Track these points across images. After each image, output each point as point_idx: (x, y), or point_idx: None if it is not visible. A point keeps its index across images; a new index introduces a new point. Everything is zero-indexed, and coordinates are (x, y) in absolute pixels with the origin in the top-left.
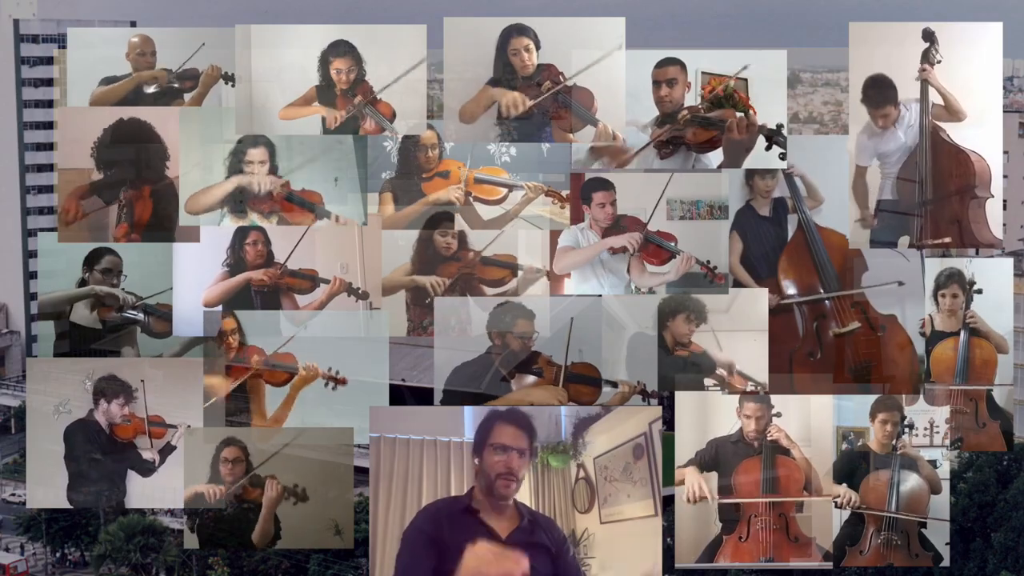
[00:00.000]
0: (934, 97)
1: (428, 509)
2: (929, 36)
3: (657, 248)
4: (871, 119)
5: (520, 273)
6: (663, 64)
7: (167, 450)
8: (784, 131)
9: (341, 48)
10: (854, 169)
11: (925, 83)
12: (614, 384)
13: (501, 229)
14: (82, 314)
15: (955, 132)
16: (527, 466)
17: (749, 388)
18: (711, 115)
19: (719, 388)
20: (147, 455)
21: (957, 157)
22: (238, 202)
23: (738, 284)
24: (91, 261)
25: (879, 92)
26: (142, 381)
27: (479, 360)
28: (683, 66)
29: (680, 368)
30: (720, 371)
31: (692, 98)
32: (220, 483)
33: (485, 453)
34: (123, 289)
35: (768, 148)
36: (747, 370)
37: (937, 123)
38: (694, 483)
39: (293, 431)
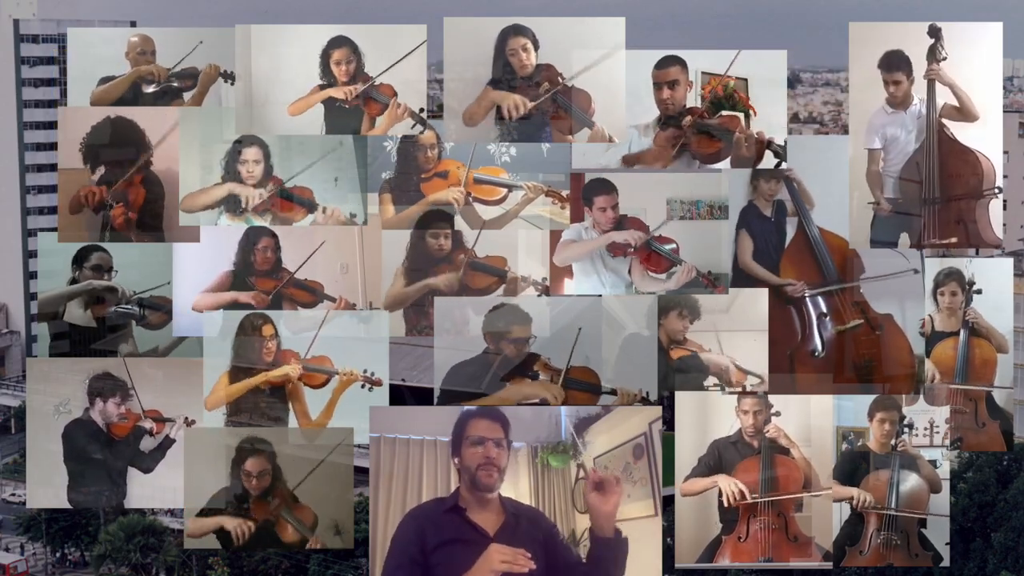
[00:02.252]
0: (946, 97)
1: (414, 515)
2: (935, 32)
3: (658, 256)
4: (884, 85)
5: (510, 279)
6: (664, 65)
7: (167, 443)
8: (785, 144)
9: (339, 40)
10: (865, 155)
11: (932, 82)
12: (613, 392)
13: (499, 229)
14: (76, 314)
15: (957, 132)
16: (506, 456)
17: (749, 382)
18: (714, 123)
19: (719, 388)
20: (146, 448)
21: (965, 157)
22: (235, 202)
23: (753, 280)
24: (80, 259)
25: (894, 58)
26: (132, 378)
27: (477, 360)
28: (684, 66)
29: (677, 372)
30: (716, 372)
31: (693, 99)
32: (240, 491)
33: (463, 448)
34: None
35: (777, 166)
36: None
37: (944, 121)
38: (730, 485)
39: (296, 430)
